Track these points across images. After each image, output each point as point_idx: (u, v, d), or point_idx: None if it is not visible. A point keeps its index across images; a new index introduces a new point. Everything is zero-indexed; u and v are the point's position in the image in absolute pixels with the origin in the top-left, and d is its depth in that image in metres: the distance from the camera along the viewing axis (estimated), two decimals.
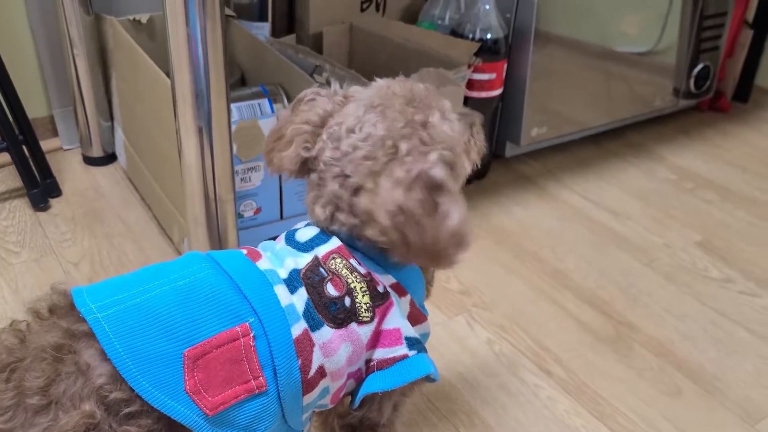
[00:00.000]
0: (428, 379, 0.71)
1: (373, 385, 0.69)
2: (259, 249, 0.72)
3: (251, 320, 0.62)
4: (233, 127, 1.15)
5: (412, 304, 0.73)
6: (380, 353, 0.69)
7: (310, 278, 0.67)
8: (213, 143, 1.01)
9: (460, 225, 0.65)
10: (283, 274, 0.67)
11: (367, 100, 0.71)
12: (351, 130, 0.69)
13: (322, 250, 0.70)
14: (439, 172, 0.66)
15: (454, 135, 0.71)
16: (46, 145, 1.60)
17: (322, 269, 0.68)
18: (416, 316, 0.74)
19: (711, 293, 1.33)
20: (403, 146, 0.67)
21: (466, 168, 0.74)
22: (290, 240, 0.73)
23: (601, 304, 1.29)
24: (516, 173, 1.69)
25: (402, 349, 0.69)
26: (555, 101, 1.62)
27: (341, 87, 0.76)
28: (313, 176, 0.72)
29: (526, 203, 1.57)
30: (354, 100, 0.73)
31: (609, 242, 1.46)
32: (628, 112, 1.80)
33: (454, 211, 0.65)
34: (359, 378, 0.71)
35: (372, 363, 0.70)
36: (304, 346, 0.65)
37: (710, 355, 1.18)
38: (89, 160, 1.64)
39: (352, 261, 0.69)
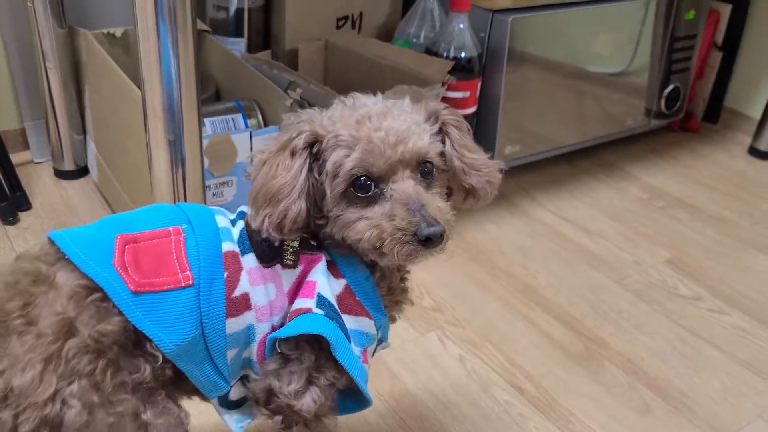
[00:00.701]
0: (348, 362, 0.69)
1: (275, 332, 0.70)
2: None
3: (185, 226, 0.69)
4: (205, 142, 1.15)
5: (348, 291, 0.72)
6: (296, 303, 0.70)
7: None
8: (184, 157, 1.01)
9: (282, 187, 0.67)
10: (232, 216, 0.74)
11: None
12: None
13: None
14: (297, 142, 0.68)
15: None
16: (16, 158, 1.59)
17: None
18: (350, 306, 0.71)
19: (680, 311, 1.34)
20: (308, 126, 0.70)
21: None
22: None
23: (571, 321, 1.29)
24: None
25: (309, 303, 0.69)
26: (529, 120, 1.64)
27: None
28: None
29: (499, 220, 1.58)
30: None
31: (580, 259, 1.47)
32: (601, 132, 1.82)
33: (285, 174, 0.67)
34: None
35: (289, 313, 0.70)
36: (232, 263, 0.68)
37: (679, 372, 1.19)
38: (60, 174, 1.62)
39: None
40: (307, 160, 0.67)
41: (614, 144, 1.93)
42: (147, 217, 0.69)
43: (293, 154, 0.67)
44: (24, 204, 1.49)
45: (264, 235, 0.67)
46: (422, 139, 0.68)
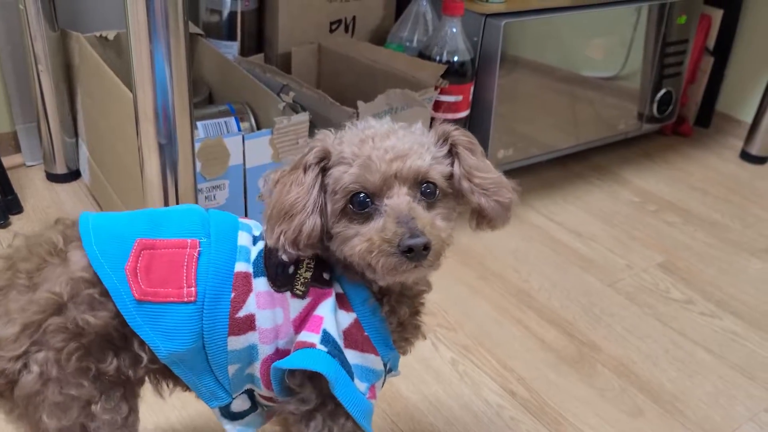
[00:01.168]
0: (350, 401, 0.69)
1: (278, 362, 0.70)
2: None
3: (203, 240, 0.70)
4: (198, 145, 1.14)
5: (357, 326, 0.71)
6: (301, 335, 0.70)
7: None
8: (176, 160, 1.01)
9: (295, 203, 0.67)
10: (257, 232, 0.74)
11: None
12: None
13: None
14: (308, 158, 0.68)
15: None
16: (8, 161, 1.58)
17: None
18: (357, 340, 0.71)
19: (672, 314, 1.35)
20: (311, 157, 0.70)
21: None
22: None
23: (564, 324, 1.29)
24: None
25: (314, 338, 0.69)
26: (521, 124, 1.64)
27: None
28: None
29: None
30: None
31: (573, 263, 1.48)
32: (593, 136, 1.83)
33: (297, 190, 0.67)
34: None
35: (294, 344, 0.71)
36: (242, 284, 0.70)
37: (671, 375, 1.20)
38: (52, 177, 1.62)
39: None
40: (319, 176, 0.68)
41: (607, 148, 1.94)
42: (177, 221, 0.72)
43: (305, 169, 0.68)
44: (15, 207, 1.49)
45: (280, 252, 0.67)
46: (423, 159, 0.68)
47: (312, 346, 0.68)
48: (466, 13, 1.49)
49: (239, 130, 1.34)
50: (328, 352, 0.68)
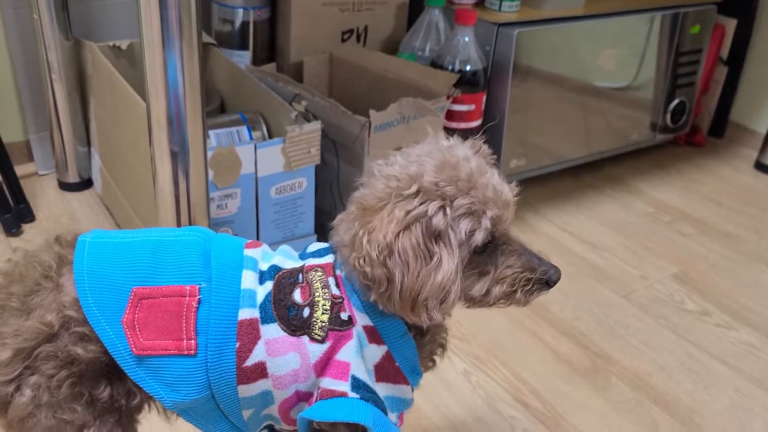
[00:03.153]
0: None
1: (308, 411, 0.68)
2: (265, 245, 0.74)
3: (203, 285, 0.66)
4: (210, 154, 1.14)
5: (388, 358, 0.69)
6: (326, 382, 0.68)
7: (285, 278, 0.69)
8: (188, 169, 1.01)
9: (448, 280, 0.63)
10: (264, 266, 0.70)
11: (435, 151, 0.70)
12: (409, 156, 0.69)
13: (311, 261, 0.70)
14: (439, 221, 0.64)
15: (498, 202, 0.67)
16: (21, 170, 1.58)
17: (300, 275, 0.69)
18: (389, 373, 0.70)
19: (687, 326, 1.33)
20: (414, 187, 0.65)
21: (478, 240, 0.67)
22: (303, 249, 0.74)
23: (578, 335, 1.28)
24: None
25: (344, 386, 0.67)
26: (534, 134, 1.63)
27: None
28: None
29: None
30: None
31: (586, 274, 1.46)
32: (606, 146, 1.82)
33: (447, 264, 0.63)
34: (311, 403, 0.70)
35: (319, 390, 0.69)
36: (248, 332, 0.66)
37: (687, 387, 1.18)
38: (65, 186, 1.62)
39: (331, 280, 0.69)
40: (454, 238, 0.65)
41: (620, 158, 1.93)
42: (177, 260, 0.67)
43: (437, 237, 0.64)
44: (28, 216, 1.49)
45: (424, 323, 0.65)
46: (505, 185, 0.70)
47: (343, 395, 0.67)
48: (478, 22, 1.49)
49: (251, 139, 1.34)
50: (360, 398, 0.67)
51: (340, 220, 0.71)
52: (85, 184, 1.64)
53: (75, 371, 0.65)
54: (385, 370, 0.69)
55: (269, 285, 0.68)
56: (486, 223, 0.65)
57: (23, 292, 0.66)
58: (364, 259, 0.63)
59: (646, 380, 1.19)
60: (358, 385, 0.67)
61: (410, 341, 0.71)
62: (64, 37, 1.48)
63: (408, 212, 0.63)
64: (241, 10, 1.59)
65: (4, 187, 1.44)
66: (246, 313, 0.66)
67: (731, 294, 1.43)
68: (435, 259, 0.63)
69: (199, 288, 0.66)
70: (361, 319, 0.68)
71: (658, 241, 1.60)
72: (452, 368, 1.18)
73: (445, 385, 1.14)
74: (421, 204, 0.64)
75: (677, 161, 2.00)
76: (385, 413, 0.69)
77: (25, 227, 1.47)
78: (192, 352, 0.65)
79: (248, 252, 0.70)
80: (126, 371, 0.65)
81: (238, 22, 1.60)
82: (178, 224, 1.05)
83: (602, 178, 1.86)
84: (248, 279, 0.68)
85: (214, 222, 1.23)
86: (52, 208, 1.55)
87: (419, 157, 0.68)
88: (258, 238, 1.31)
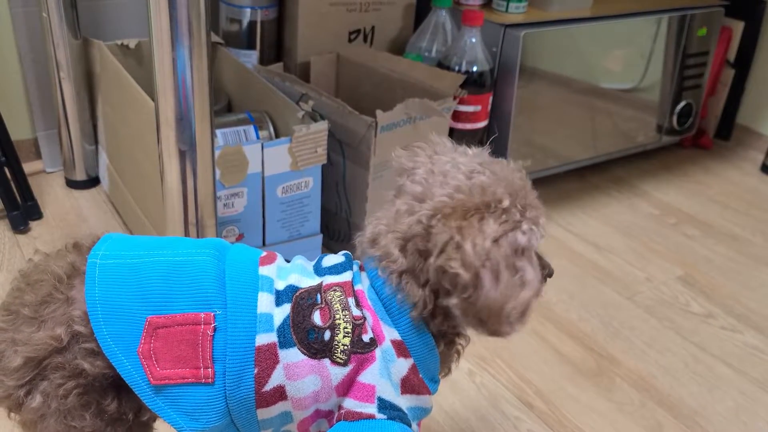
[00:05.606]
0: None
1: None
2: (279, 257, 0.73)
3: (218, 312, 0.65)
4: (217, 153, 1.15)
5: (413, 370, 0.70)
6: (349, 403, 0.68)
7: (303, 299, 0.68)
8: (196, 167, 1.01)
9: (532, 297, 0.65)
10: (280, 286, 0.68)
11: (479, 159, 0.71)
12: (456, 165, 0.69)
13: (329, 279, 0.69)
14: (527, 237, 0.66)
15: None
16: (28, 167, 1.59)
17: (318, 296, 0.68)
18: (414, 385, 0.70)
19: (692, 328, 1.33)
20: (505, 201, 0.66)
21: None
22: (318, 261, 0.73)
23: (582, 337, 1.28)
24: None
25: (370, 408, 0.67)
26: (540, 135, 1.64)
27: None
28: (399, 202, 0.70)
29: None
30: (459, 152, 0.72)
31: (591, 275, 1.46)
32: (612, 147, 1.82)
33: (532, 281, 0.65)
34: (332, 421, 0.70)
35: (342, 411, 0.69)
36: (266, 357, 0.66)
37: (691, 389, 1.18)
38: (72, 184, 1.63)
39: (351, 300, 0.68)
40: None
41: (625, 160, 1.93)
42: (191, 285, 0.66)
43: (523, 251, 0.65)
44: (35, 213, 1.50)
45: (507, 333, 0.66)
46: None
47: (371, 417, 0.67)
48: (485, 23, 1.49)
49: (258, 138, 1.34)
50: (388, 418, 0.68)
51: (377, 229, 0.70)
52: (93, 182, 1.64)
53: (82, 383, 0.65)
54: (411, 383, 0.70)
55: (287, 307, 0.67)
56: (543, 231, 0.68)
57: (35, 301, 0.66)
58: (460, 262, 0.63)
59: (651, 382, 1.19)
60: (384, 405, 0.68)
61: (436, 354, 0.71)
62: (73, 36, 1.49)
63: (501, 225, 0.65)
64: (248, 10, 1.59)
65: (12, 185, 1.45)
66: (263, 339, 0.66)
67: (736, 296, 1.43)
68: (520, 273, 0.64)
69: (214, 315, 0.65)
70: (389, 334, 0.68)
71: (664, 243, 1.60)
72: (456, 368, 1.18)
73: (450, 386, 1.14)
74: (511, 219, 0.65)
75: (683, 163, 2.00)
76: (410, 426, 0.69)
77: (33, 224, 1.48)
78: (210, 380, 0.64)
79: (263, 270, 0.69)
80: (144, 401, 0.64)
81: (245, 22, 1.61)
82: (186, 222, 1.06)
83: (608, 180, 1.86)
84: (264, 302, 0.67)
85: (221, 221, 1.23)
86: (60, 205, 1.56)
87: (469, 167, 0.69)
88: (264, 237, 1.31)
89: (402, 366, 0.69)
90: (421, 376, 0.70)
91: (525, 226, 0.66)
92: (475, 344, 1.23)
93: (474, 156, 0.71)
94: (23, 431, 0.71)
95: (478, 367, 1.19)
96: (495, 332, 0.66)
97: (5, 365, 0.66)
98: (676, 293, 1.43)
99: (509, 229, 0.65)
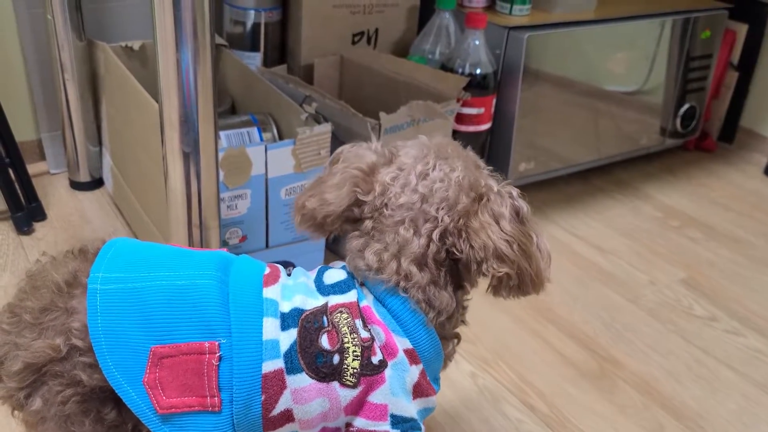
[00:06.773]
0: None
1: None
2: (283, 273, 0.72)
3: (222, 341, 0.65)
4: (221, 154, 1.15)
5: (423, 375, 0.71)
6: (361, 423, 0.68)
7: (310, 323, 0.67)
8: (199, 169, 1.01)
9: (548, 246, 0.72)
10: (285, 308, 0.68)
11: (426, 151, 0.72)
12: (424, 175, 0.70)
13: (334, 300, 0.69)
14: (522, 205, 0.71)
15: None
16: (32, 168, 1.60)
17: (325, 318, 0.68)
18: (423, 389, 0.71)
19: (695, 331, 1.33)
20: (489, 182, 0.72)
21: None
22: (319, 277, 0.73)
23: (585, 339, 1.28)
24: None
25: (384, 425, 0.68)
26: (543, 137, 1.64)
27: (378, 140, 0.77)
28: (367, 223, 0.71)
29: None
30: (405, 152, 0.73)
31: (594, 278, 1.46)
32: (616, 150, 1.82)
33: (541, 236, 0.72)
34: None
35: (352, 429, 0.69)
36: (273, 384, 0.65)
37: (694, 392, 1.18)
38: (76, 185, 1.63)
39: (358, 322, 0.68)
40: None
41: (629, 163, 1.93)
42: (192, 313, 0.65)
43: (525, 217, 0.72)
44: (39, 214, 1.50)
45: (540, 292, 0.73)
46: None
47: None
48: (489, 25, 1.49)
49: (261, 140, 1.35)
50: (402, 431, 0.69)
51: (365, 244, 0.71)
52: (96, 183, 1.65)
53: (81, 391, 0.66)
54: (422, 388, 0.71)
55: (293, 332, 0.67)
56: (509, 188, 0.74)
57: (37, 307, 0.67)
58: (501, 264, 0.68)
59: (653, 384, 1.19)
60: (397, 420, 0.69)
61: (442, 356, 0.73)
62: (77, 38, 1.50)
63: (507, 205, 0.70)
64: (252, 12, 1.60)
65: (16, 186, 1.46)
66: (270, 366, 0.66)
67: (739, 299, 1.43)
68: (534, 235, 0.71)
69: (219, 344, 0.64)
70: (402, 344, 0.69)
71: (667, 246, 1.60)
72: (458, 370, 1.18)
73: (452, 387, 1.14)
74: (507, 196, 0.71)
75: (687, 166, 1.99)
76: (421, 430, 0.71)
77: (37, 226, 1.48)
78: (216, 408, 0.64)
79: (267, 293, 0.69)
80: (152, 430, 0.64)
81: (249, 24, 1.61)
82: (189, 224, 1.06)
83: (611, 183, 1.86)
84: (269, 328, 0.66)
85: (224, 222, 1.23)
86: (63, 207, 1.56)
87: (438, 161, 0.72)
88: (267, 239, 1.32)
89: (414, 373, 0.70)
90: (428, 378, 0.71)
91: (514, 193, 0.72)
92: (477, 346, 1.23)
93: (418, 155, 0.72)
94: (26, 430, 0.71)
95: (480, 368, 1.19)
96: (541, 290, 0.73)
97: (7, 367, 0.66)
98: (679, 296, 1.43)
99: (509, 204, 0.70)
